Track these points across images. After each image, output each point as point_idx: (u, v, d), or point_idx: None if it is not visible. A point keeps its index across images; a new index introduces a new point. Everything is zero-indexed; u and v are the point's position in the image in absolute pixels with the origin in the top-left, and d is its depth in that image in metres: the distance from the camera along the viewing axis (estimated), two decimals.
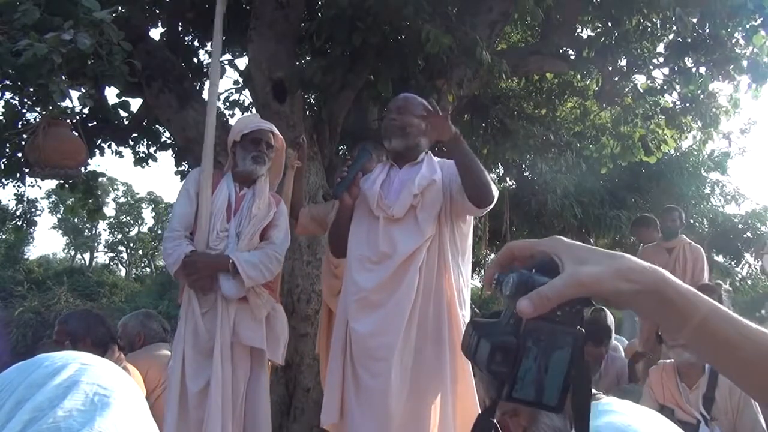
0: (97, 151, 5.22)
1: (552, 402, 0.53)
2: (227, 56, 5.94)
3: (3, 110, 3.88)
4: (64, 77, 2.71)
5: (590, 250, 0.56)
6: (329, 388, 2.29)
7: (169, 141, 5.75)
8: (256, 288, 2.50)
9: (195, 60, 5.54)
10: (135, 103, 5.26)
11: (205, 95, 4.44)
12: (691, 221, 11.93)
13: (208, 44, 5.57)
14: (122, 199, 33.65)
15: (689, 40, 4.88)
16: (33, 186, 6.82)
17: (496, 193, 2.25)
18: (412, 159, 2.40)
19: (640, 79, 5.91)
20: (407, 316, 2.18)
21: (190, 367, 2.41)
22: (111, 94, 15.51)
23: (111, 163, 73.45)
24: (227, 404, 2.39)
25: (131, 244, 34.00)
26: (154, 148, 5.86)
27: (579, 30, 5.71)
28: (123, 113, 5.14)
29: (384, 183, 2.38)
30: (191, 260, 2.45)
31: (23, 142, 3.32)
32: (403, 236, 2.24)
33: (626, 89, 5.87)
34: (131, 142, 5.64)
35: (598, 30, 5.46)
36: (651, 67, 5.53)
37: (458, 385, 2.20)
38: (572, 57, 5.50)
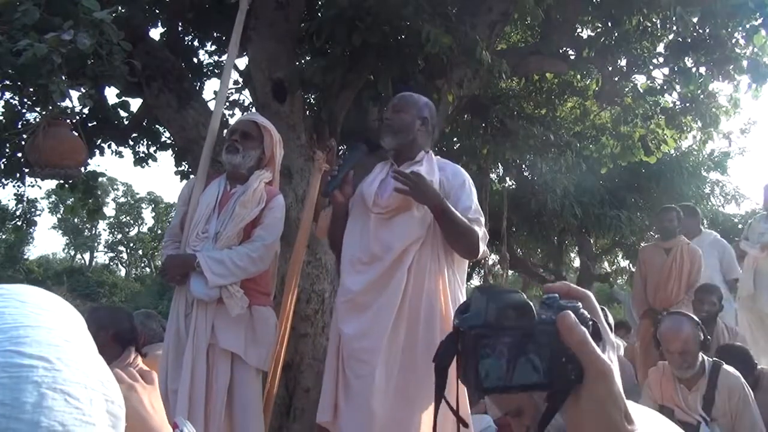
0: (97, 151, 5.21)
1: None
2: (227, 56, 5.94)
3: (3, 110, 3.88)
4: (64, 77, 2.70)
5: None
6: (324, 387, 2.33)
7: (168, 141, 5.75)
8: (229, 287, 2.42)
9: (195, 60, 5.54)
10: (135, 103, 5.26)
11: (206, 95, 4.44)
12: None
13: (208, 44, 5.58)
14: (122, 199, 33.70)
15: (689, 40, 4.88)
16: (33, 186, 6.81)
17: (482, 248, 2.24)
18: (410, 157, 2.39)
19: (640, 79, 5.91)
20: (393, 319, 2.17)
21: (170, 367, 2.44)
22: (111, 94, 15.49)
23: (111, 163, 73.47)
24: (197, 406, 2.35)
25: (131, 244, 34.02)
26: (154, 148, 5.85)
27: (579, 30, 5.70)
28: (123, 113, 5.14)
29: (383, 181, 2.37)
30: (162, 265, 2.57)
31: (23, 142, 3.31)
32: (393, 236, 2.24)
33: (626, 89, 5.86)
34: (131, 142, 5.63)
35: (598, 30, 5.46)
36: (651, 67, 5.52)
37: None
38: (572, 57, 5.50)
